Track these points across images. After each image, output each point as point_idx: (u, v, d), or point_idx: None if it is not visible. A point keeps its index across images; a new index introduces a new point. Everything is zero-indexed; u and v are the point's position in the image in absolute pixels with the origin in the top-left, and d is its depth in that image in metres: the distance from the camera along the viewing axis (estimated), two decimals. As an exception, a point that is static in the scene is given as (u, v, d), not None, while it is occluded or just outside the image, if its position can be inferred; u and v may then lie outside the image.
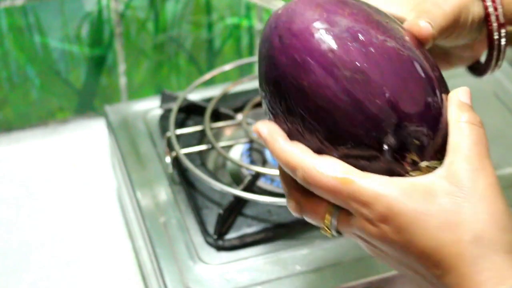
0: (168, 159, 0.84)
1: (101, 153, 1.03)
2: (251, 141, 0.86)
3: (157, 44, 1.06)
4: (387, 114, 0.48)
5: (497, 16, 0.61)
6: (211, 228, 0.78)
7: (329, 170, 0.49)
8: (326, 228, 0.52)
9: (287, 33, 0.50)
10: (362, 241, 0.51)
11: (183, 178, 0.85)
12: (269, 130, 0.52)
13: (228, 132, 0.95)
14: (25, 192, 0.99)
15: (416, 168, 0.50)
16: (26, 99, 1.05)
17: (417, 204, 0.48)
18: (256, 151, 0.89)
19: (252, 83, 0.96)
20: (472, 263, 0.46)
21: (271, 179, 0.85)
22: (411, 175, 0.50)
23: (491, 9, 0.61)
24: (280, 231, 0.79)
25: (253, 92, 0.96)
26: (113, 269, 0.90)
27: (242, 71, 1.12)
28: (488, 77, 1.01)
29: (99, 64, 1.05)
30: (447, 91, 0.53)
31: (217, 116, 0.92)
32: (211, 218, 0.79)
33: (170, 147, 0.85)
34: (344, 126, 0.49)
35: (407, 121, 0.49)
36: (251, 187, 0.82)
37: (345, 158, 0.50)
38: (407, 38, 0.52)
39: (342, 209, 0.51)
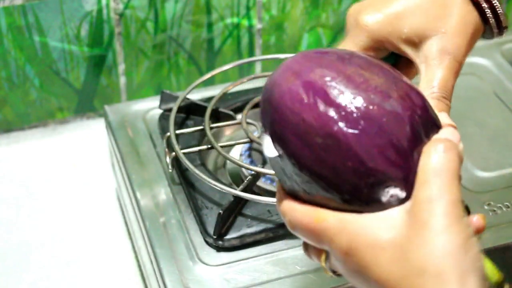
0: (167, 159, 0.84)
1: (101, 153, 1.03)
2: (251, 141, 0.86)
3: (157, 44, 1.05)
4: (360, 176, 0.49)
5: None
6: (211, 228, 0.78)
7: (307, 212, 0.52)
8: (325, 270, 0.55)
9: (267, 106, 0.53)
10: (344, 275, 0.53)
11: (182, 178, 0.85)
12: (278, 186, 0.56)
13: (228, 132, 0.95)
14: (25, 192, 0.99)
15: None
16: (26, 99, 1.05)
17: (373, 237, 0.48)
18: (256, 151, 0.89)
19: (252, 83, 0.96)
20: None
21: (271, 179, 0.85)
22: None
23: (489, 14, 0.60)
24: (280, 231, 0.79)
25: (253, 92, 0.96)
26: (113, 269, 0.90)
27: (242, 71, 1.12)
28: (488, 77, 1.01)
29: (98, 64, 1.05)
30: (433, 129, 0.52)
31: (217, 116, 0.92)
32: (211, 218, 0.79)
33: (169, 147, 0.85)
34: (330, 186, 0.50)
35: (381, 179, 0.49)
36: (251, 187, 0.82)
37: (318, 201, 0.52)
38: (384, 87, 0.51)
39: None
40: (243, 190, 0.79)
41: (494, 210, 0.83)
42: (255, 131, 0.88)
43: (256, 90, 0.96)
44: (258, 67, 1.13)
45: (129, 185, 0.86)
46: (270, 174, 0.83)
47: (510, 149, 0.91)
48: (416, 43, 0.60)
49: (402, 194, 0.50)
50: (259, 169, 0.82)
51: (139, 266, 0.90)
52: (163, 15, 1.03)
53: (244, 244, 0.79)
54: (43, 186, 1.00)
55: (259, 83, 0.98)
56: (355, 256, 0.49)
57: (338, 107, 0.49)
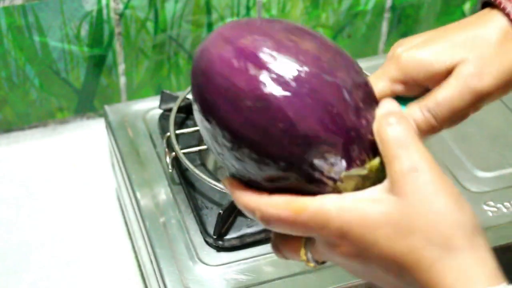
0: (167, 159, 0.84)
1: (101, 153, 1.03)
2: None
3: (157, 44, 1.05)
4: (292, 138, 0.49)
5: None
6: (211, 228, 0.78)
7: (281, 204, 0.50)
8: (306, 261, 0.53)
9: (197, 74, 0.52)
10: (336, 262, 0.52)
11: (182, 178, 0.85)
12: (229, 183, 0.54)
13: (228, 132, 0.94)
14: (25, 192, 0.99)
15: (336, 180, 0.50)
16: (26, 99, 1.05)
17: (366, 217, 0.48)
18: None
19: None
20: (432, 269, 0.46)
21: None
22: (339, 189, 0.50)
23: None
24: (280, 231, 0.79)
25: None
26: (113, 269, 0.90)
27: (242, 71, 1.12)
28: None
29: (98, 64, 1.05)
30: (372, 103, 0.52)
31: (217, 116, 0.92)
32: (211, 218, 0.79)
33: (169, 147, 0.85)
34: (262, 154, 0.49)
35: (313, 142, 0.49)
36: (251, 187, 0.82)
37: (275, 182, 0.51)
38: (315, 51, 0.51)
39: (311, 239, 0.52)
40: (243, 190, 0.79)
41: (494, 210, 0.83)
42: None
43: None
44: (258, 67, 1.13)
45: (129, 185, 0.86)
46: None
47: (510, 149, 0.91)
48: (448, 75, 0.57)
49: (342, 164, 0.49)
50: (259, 169, 0.82)
51: (139, 266, 0.90)
52: (163, 15, 1.03)
53: (244, 244, 0.79)
54: (43, 186, 1.00)
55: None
56: (351, 240, 0.48)
57: (268, 70, 0.49)
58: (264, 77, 0.49)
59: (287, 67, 0.49)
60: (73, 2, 0.99)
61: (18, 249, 0.92)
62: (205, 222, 0.79)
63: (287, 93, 0.48)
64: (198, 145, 0.87)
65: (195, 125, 0.90)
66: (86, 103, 1.08)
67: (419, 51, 0.57)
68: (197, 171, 0.81)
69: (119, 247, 0.93)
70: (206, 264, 0.77)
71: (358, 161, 0.50)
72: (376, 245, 0.47)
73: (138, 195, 0.84)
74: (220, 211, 0.77)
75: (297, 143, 0.48)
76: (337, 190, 0.50)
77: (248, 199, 0.52)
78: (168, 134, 0.86)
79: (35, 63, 1.02)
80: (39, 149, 1.05)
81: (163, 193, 0.85)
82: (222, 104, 0.50)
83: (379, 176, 0.50)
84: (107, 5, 1.00)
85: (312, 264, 0.53)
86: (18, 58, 1.01)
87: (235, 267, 0.77)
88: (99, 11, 1.00)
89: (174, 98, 0.91)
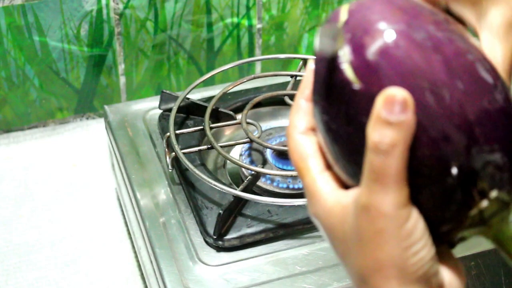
0: (167, 159, 0.84)
1: (101, 153, 1.03)
2: (251, 141, 0.86)
3: (157, 44, 1.05)
4: (462, 136, 0.44)
5: None
6: (210, 229, 0.78)
7: (299, 152, 0.50)
8: None
9: (359, 31, 0.46)
10: None
11: (182, 178, 0.85)
12: (305, 79, 0.51)
13: (228, 132, 0.95)
14: (25, 192, 0.99)
15: (484, 197, 0.45)
16: (25, 99, 1.05)
17: (330, 221, 0.47)
18: (256, 151, 0.89)
19: (252, 83, 0.96)
20: None
21: (271, 179, 0.85)
22: (480, 207, 0.45)
23: None
24: (280, 231, 0.79)
25: (253, 92, 0.96)
26: (113, 269, 0.90)
27: (242, 71, 1.12)
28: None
29: (98, 64, 1.05)
30: None
31: (217, 116, 0.92)
32: (211, 218, 0.79)
33: (169, 147, 0.85)
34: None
35: (481, 145, 0.44)
36: (251, 187, 0.82)
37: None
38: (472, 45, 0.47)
39: None
40: (243, 190, 0.79)
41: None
42: (255, 131, 0.88)
43: (256, 90, 0.96)
44: (258, 67, 1.13)
45: (129, 185, 0.86)
46: (270, 174, 0.83)
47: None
48: (480, 5, 0.53)
49: (502, 168, 0.45)
50: (259, 169, 0.82)
51: (139, 266, 0.90)
52: (163, 15, 1.03)
53: (244, 244, 0.79)
54: (43, 186, 1.00)
55: (259, 83, 0.98)
56: (320, 223, 0.48)
57: (448, 57, 0.45)
58: (447, 63, 0.44)
59: (467, 61, 0.45)
60: (73, 2, 0.99)
61: (18, 249, 0.92)
62: (205, 222, 0.79)
63: (467, 89, 0.44)
64: (198, 145, 0.87)
65: (195, 125, 0.90)
66: (86, 103, 1.08)
67: None
68: (197, 171, 0.81)
69: (119, 247, 0.93)
70: (206, 264, 0.77)
71: (508, 185, 0.46)
72: (332, 244, 0.48)
73: (138, 195, 0.84)
74: (220, 211, 0.77)
75: (464, 145, 0.44)
76: (478, 211, 0.46)
77: (294, 116, 0.50)
78: (168, 134, 0.85)
79: (35, 63, 1.02)
80: (39, 149, 1.05)
81: (163, 193, 0.85)
82: (390, 76, 0.44)
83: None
84: (107, 5, 1.00)
85: None
86: (18, 58, 1.01)
87: (235, 267, 0.77)
88: (99, 11, 1.00)
89: (174, 98, 0.91)
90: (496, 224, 0.47)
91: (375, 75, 0.45)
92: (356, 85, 0.45)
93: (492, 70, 0.47)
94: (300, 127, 0.50)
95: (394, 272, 0.44)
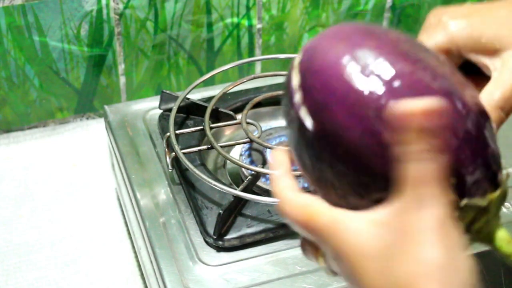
0: (167, 159, 0.84)
1: (101, 153, 1.03)
2: (251, 141, 0.86)
3: (157, 44, 1.05)
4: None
5: None
6: (210, 229, 0.78)
7: (300, 203, 0.49)
8: (325, 269, 0.52)
9: (307, 73, 0.48)
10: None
11: (182, 178, 0.85)
12: (278, 160, 0.52)
13: (228, 132, 0.95)
14: (25, 192, 0.99)
15: (456, 208, 0.46)
16: (26, 99, 1.05)
17: (359, 246, 0.46)
18: (256, 151, 0.89)
19: (252, 83, 0.96)
20: None
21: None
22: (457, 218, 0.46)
23: None
24: (280, 231, 0.79)
25: (253, 92, 0.96)
26: (113, 269, 0.90)
27: (242, 71, 1.12)
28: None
29: (98, 64, 1.05)
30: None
31: (217, 116, 0.92)
32: (211, 218, 0.79)
33: (169, 147, 0.85)
34: (367, 170, 0.46)
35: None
36: (251, 187, 0.82)
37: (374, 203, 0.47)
38: (441, 68, 0.48)
39: None
40: (243, 190, 0.79)
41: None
42: (255, 131, 0.88)
43: (256, 90, 0.96)
44: (258, 67, 1.13)
45: (129, 185, 0.86)
46: (270, 174, 0.83)
47: (510, 149, 0.91)
48: (494, 51, 0.57)
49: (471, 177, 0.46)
50: (259, 169, 0.82)
51: (139, 266, 0.90)
52: (163, 15, 1.03)
53: (244, 244, 0.79)
54: (43, 186, 1.00)
55: (259, 83, 0.98)
56: (344, 262, 0.47)
57: (392, 81, 0.45)
58: (389, 89, 0.45)
59: (415, 83, 0.46)
60: (73, 2, 0.99)
61: (18, 249, 0.92)
62: (205, 222, 0.79)
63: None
64: (198, 145, 0.87)
65: (195, 125, 0.90)
66: (86, 103, 1.08)
67: (469, 22, 0.56)
68: (197, 171, 0.81)
69: (119, 247, 0.93)
70: (206, 264, 0.77)
71: (481, 190, 0.47)
72: (364, 275, 0.46)
73: (138, 195, 0.84)
74: (220, 211, 0.77)
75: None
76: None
77: (280, 186, 0.50)
78: (168, 134, 0.85)
79: (35, 63, 1.02)
80: (39, 149, 1.05)
81: (163, 193, 0.85)
82: (336, 109, 0.46)
83: (494, 211, 0.47)
84: (107, 5, 1.00)
85: (330, 273, 0.52)
86: (18, 58, 1.01)
87: (235, 267, 0.77)
88: (99, 11, 1.00)
89: (174, 98, 0.91)
90: (483, 229, 0.48)
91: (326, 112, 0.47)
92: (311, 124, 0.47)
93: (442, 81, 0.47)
94: (287, 188, 0.50)
95: (438, 274, 0.44)
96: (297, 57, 0.50)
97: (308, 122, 0.48)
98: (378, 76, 0.46)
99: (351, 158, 0.46)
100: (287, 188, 0.50)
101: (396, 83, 0.46)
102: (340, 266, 0.48)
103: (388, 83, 0.46)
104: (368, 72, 0.46)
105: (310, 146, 0.48)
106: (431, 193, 0.44)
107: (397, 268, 0.45)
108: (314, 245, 0.51)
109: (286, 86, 0.50)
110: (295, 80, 0.49)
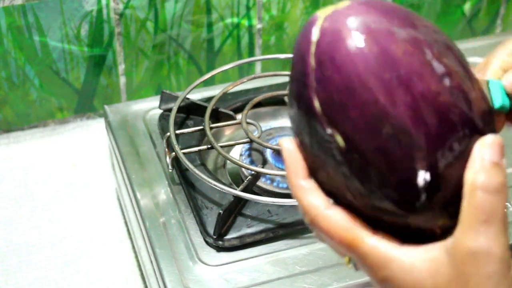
0: (167, 159, 0.84)
1: (101, 153, 1.03)
2: (251, 141, 0.86)
3: (157, 44, 1.05)
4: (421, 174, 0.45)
5: None
6: (211, 228, 0.78)
7: (339, 225, 0.48)
8: (346, 261, 0.51)
9: (326, 61, 0.46)
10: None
11: (182, 178, 0.85)
12: (290, 157, 0.50)
13: (228, 132, 0.95)
14: (25, 192, 0.99)
15: (447, 232, 0.46)
16: (26, 99, 1.05)
17: (413, 282, 0.45)
18: (256, 151, 0.89)
19: (252, 83, 0.96)
20: None
21: (271, 179, 0.85)
22: (440, 239, 0.46)
23: None
24: (280, 231, 0.79)
25: (253, 92, 0.96)
26: (113, 269, 0.90)
27: (242, 71, 1.12)
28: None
29: (98, 64, 1.05)
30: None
31: (217, 116, 0.92)
32: (211, 218, 0.79)
33: (169, 147, 0.85)
34: (381, 182, 0.45)
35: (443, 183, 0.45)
36: (251, 187, 0.82)
37: (370, 209, 0.47)
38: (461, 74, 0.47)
39: None
40: (243, 190, 0.79)
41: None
42: (255, 131, 0.88)
43: (256, 90, 0.96)
44: (258, 67, 1.13)
45: (129, 185, 0.86)
46: (270, 174, 0.83)
47: (510, 149, 0.91)
48: None
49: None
50: (259, 169, 0.82)
51: (139, 266, 0.90)
52: (163, 15, 1.03)
53: (244, 244, 0.79)
54: (43, 186, 1.00)
55: (259, 83, 0.98)
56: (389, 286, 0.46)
57: (417, 101, 0.44)
58: (413, 108, 0.44)
59: (439, 107, 0.45)
60: (73, 2, 0.99)
61: (18, 249, 0.92)
62: (205, 222, 0.79)
63: (431, 128, 0.44)
64: (198, 145, 0.87)
65: (195, 125, 0.90)
66: (86, 103, 1.08)
67: None
68: (197, 171, 0.81)
69: (119, 247, 0.93)
70: (206, 264, 0.77)
71: None
72: None
73: (138, 195, 0.84)
74: (220, 211, 0.77)
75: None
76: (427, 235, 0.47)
77: (305, 195, 0.49)
78: (168, 134, 0.86)
79: (35, 63, 1.02)
80: (39, 149, 1.05)
81: (163, 193, 0.85)
82: (355, 115, 0.44)
83: None
84: (107, 5, 1.00)
85: (350, 265, 0.51)
86: (18, 58, 1.01)
87: (235, 267, 0.77)
88: (99, 11, 1.00)
89: (174, 98, 0.91)
90: None
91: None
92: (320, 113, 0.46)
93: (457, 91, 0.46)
94: (322, 205, 0.49)
95: None
96: (314, 31, 0.47)
97: (329, 131, 0.46)
98: (406, 93, 0.44)
99: (356, 162, 0.45)
100: (320, 201, 0.49)
101: (418, 94, 0.45)
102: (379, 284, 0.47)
103: (414, 99, 0.44)
104: (395, 84, 0.44)
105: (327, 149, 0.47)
106: (494, 230, 0.44)
107: None
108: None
109: (299, 64, 0.47)
110: (312, 61, 0.46)
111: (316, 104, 0.46)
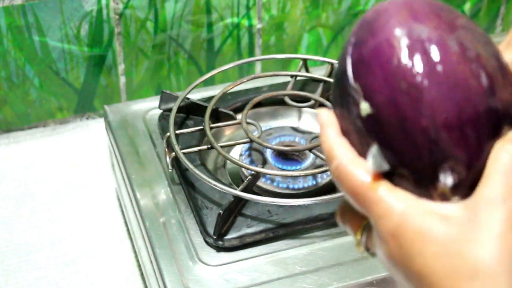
0: (167, 159, 0.84)
1: (101, 153, 1.03)
2: (251, 141, 0.86)
3: (157, 44, 1.05)
4: (428, 138, 0.46)
5: None
6: (210, 228, 0.78)
7: (362, 172, 0.48)
8: (358, 243, 0.52)
9: (366, 33, 0.50)
10: (380, 259, 0.50)
11: (182, 178, 0.85)
12: (327, 119, 0.51)
13: (228, 132, 0.95)
14: (25, 192, 0.99)
15: (445, 201, 0.47)
16: (25, 99, 1.05)
17: (424, 226, 0.46)
18: (256, 151, 0.89)
19: (252, 83, 0.96)
20: None
21: (271, 179, 0.85)
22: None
23: None
24: (280, 231, 0.79)
25: (253, 92, 0.96)
26: (113, 269, 0.90)
27: (242, 71, 1.12)
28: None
29: (98, 64, 1.05)
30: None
31: (217, 116, 0.92)
32: (211, 218, 0.79)
33: (169, 147, 0.85)
34: (387, 138, 0.47)
35: (447, 151, 0.46)
36: (251, 187, 0.82)
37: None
38: (491, 62, 0.48)
39: (370, 224, 0.50)
40: (243, 190, 0.79)
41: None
42: (255, 131, 0.88)
43: (256, 90, 0.96)
44: (258, 67, 1.13)
45: (129, 185, 0.86)
46: (270, 174, 0.83)
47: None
48: None
49: (462, 176, 0.47)
50: (259, 169, 0.82)
51: (139, 266, 0.90)
52: (163, 15, 1.03)
53: (244, 244, 0.79)
54: (43, 186, 1.00)
55: (259, 83, 0.98)
56: (401, 241, 0.46)
57: (435, 63, 0.47)
58: (432, 68, 0.47)
59: (456, 69, 0.47)
60: (73, 2, 0.99)
61: (18, 249, 0.92)
62: (205, 222, 0.79)
63: (445, 96, 0.46)
64: (198, 145, 0.87)
65: (195, 125, 0.90)
66: (86, 103, 1.08)
67: None
68: (197, 171, 0.81)
69: (119, 247, 0.93)
70: (206, 264, 0.77)
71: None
72: (421, 257, 0.45)
73: (138, 195, 0.84)
74: (220, 211, 0.77)
75: (430, 148, 0.46)
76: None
77: (334, 145, 0.50)
78: (168, 134, 0.85)
79: (34, 63, 1.02)
80: (39, 149, 1.05)
81: (163, 193, 0.85)
82: (377, 72, 0.48)
83: None
84: (107, 5, 1.00)
85: (362, 249, 0.51)
86: (18, 58, 1.01)
87: (235, 267, 0.77)
88: (99, 11, 1.00)
89: (174, 98, 0.91)
90: None
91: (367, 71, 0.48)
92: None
93: (485, 75, 0.48)
94: (349, 155, 0.50)
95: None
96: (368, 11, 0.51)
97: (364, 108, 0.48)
98: (423, 54, 0.47)
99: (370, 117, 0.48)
100: (344, 147, 0.50)
101: (438, 66, 0.47)
102: (392, 245, 0.47)
103: (431, 64, 0.47)
104: (415, 49, 0.47)
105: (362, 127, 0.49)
106: (507, 183, 0.45)
107: (462, 254, 0.44)
108: (358, 217, 0.51)
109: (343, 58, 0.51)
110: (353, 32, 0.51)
111: (349, 62, 0.50)
